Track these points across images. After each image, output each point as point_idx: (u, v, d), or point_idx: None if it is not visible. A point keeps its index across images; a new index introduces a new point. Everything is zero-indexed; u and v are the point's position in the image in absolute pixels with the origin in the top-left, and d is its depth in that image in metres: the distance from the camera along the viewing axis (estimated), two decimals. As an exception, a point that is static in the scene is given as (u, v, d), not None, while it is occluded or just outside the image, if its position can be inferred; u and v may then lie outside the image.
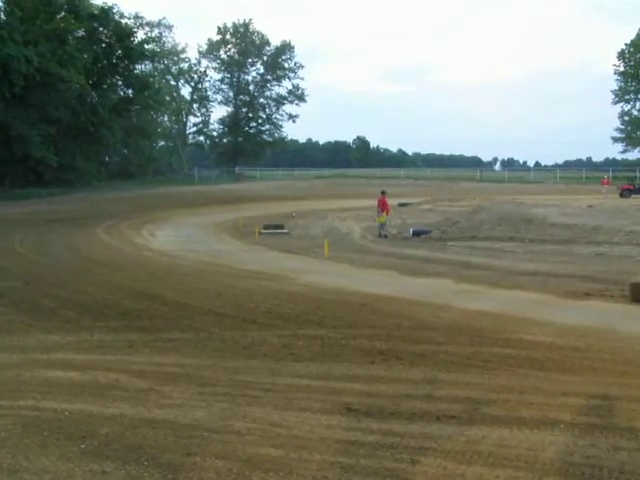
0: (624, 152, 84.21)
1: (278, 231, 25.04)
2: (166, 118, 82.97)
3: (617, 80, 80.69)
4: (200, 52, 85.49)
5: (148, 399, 6.20)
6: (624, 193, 45.73)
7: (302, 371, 7.17)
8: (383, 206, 23.81)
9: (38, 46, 43.73)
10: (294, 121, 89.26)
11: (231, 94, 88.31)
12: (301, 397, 6.23)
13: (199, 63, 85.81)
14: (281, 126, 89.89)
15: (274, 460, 4.78)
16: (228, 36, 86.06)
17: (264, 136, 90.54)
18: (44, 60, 43.16)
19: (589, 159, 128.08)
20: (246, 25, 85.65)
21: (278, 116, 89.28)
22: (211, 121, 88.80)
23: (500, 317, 9.95)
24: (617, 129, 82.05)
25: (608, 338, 8.64)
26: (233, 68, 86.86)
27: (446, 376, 6.89)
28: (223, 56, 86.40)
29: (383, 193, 24.85)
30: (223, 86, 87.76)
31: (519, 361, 7.46)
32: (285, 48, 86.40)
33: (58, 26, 47.58)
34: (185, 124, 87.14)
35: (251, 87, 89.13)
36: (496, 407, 5.89)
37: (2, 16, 45.22)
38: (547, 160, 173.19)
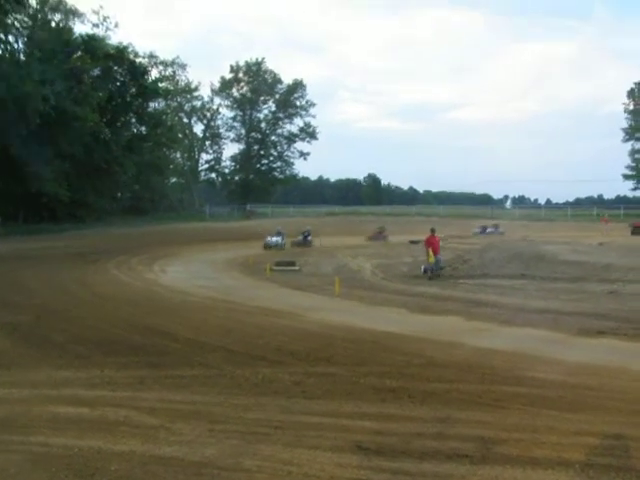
0: (635, 189, 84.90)
1: (289, 268, 25.03)
2: (178, 155, 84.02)
3: (627, 118, 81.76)
4: (213, 90, 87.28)
5: (158, 436, 6.18)
6: (636, 231, 45.15)
7: (313, 409, 7.12)
8: (429, 245, 22.34)
9: (55, 85, 44.50)
10: (305, 158, 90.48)
11: (243, 131, 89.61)
12: (312, 435, 6.19)
13: (212, 101, 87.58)
14: (292, 163, 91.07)
15: (284, 499, 4.75)
16: (241, 74, 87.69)
17: (275, 173, 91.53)
18: (60, 98, 43.91)
19: (600, 196, 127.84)
20: (259, 63, 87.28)
21: (289, 153, 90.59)
22: (223, 158, 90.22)
23: (511, 355, 9.87)
24: (628, 166, 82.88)
25: (621, 377, 8.55)
26: (245, 106, 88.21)
27: (457, 414, 6.82)
28: (236, 94, 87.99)
29: (432, 231, 23.15)
30: (235, 123, 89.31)
31: (531, 399, 7.37)
32: (297, 86, 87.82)
33: (75, 65, 48.56)
34: (197, 161, 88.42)
35: (263, 125, 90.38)
36: (508, 446, 5.82)
37: (22, 57, 46.19)
38: (558, 198, 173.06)
